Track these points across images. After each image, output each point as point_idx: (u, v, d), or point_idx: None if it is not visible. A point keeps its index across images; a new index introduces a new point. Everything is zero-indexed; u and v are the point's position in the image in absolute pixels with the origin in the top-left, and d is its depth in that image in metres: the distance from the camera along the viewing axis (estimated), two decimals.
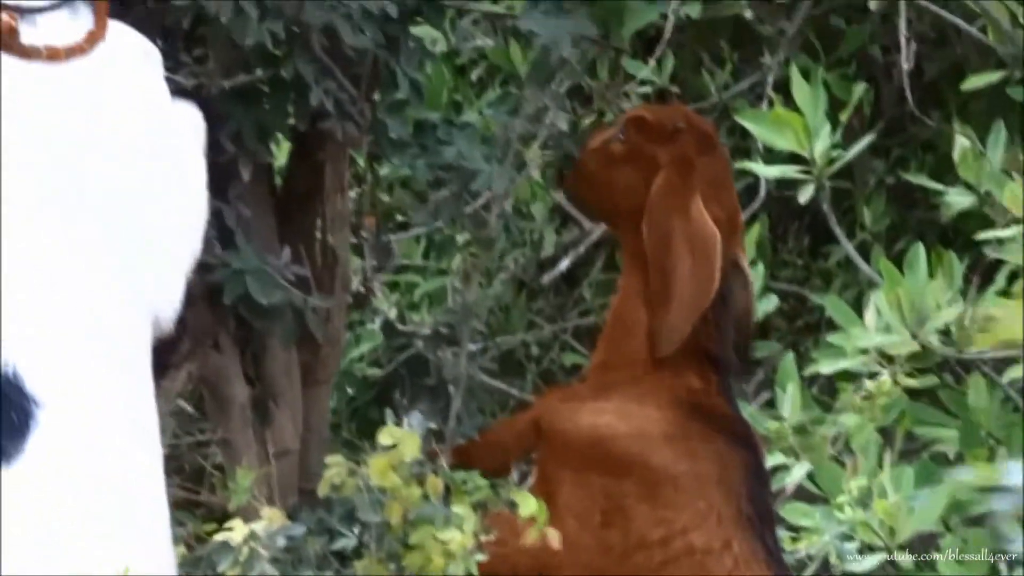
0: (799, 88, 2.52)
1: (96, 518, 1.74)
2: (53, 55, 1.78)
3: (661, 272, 2.20)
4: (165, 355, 2.01)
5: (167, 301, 1.90)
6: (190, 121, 2.02)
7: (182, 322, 1.98)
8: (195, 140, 2.03)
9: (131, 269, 1.85)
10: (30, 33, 1.78)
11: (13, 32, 1.74)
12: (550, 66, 2.63)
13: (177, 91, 2.03)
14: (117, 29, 1.86)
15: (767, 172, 2.63)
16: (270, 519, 1.81)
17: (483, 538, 1.88)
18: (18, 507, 1.70)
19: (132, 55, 1.89)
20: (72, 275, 1.80)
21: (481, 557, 1.85)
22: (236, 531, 1.79)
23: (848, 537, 2.19)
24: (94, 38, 1.82)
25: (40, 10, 1.79)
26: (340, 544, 1.88)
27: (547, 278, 3.14)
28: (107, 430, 1.78)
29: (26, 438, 1.70)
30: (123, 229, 1.86)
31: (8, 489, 1.69)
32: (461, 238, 2.94)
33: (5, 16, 1.74)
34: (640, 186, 2.24)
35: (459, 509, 1.87)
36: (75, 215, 1.82)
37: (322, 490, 1.93)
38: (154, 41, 2.01)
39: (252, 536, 1.79)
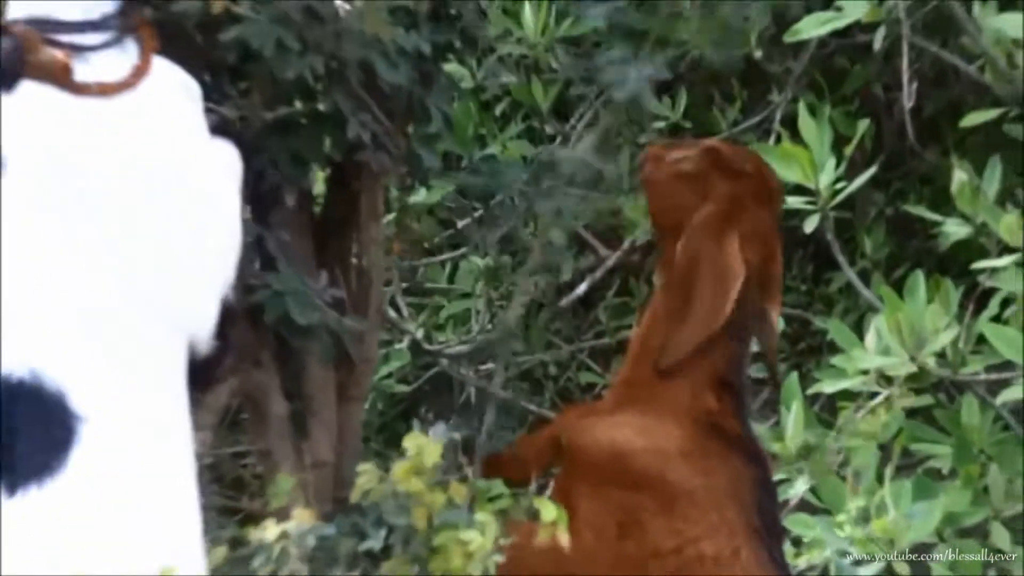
0: (805, 124, 2.56)
1: (133, 525, 1.75)
2: (103, 90, 1.79)
3: (683, 290, 2.21)
4: (210, 371, 2.01)
5: (202, 323, 1.91)
6: (226, 156, 2.02)
7: (225, 340, 1.98)
8: (230, 174, 2.03)
9: (168, 294, 1.86)
10: (82, 70, 1.79)
11: (67, 70, 1.75)
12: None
13: (222, 123, 2.04)
14: (160, 64, 1.87)
15: None
16: (300, 519, 1.83)
17: (503, 542, 1.88)
18: (62, 519, 1.70)
19: (173, 89, 1.89)
20: (113, 299, 1.81)
21: (499, 558, 1.86)
22: (269, 530, 1.81)
23: (845, 554, 2.26)
24: (140, 73, 1.82)
25: (93, 48, 1.81)
26: (369, 545, 1.87)
27: (565, 301, 3.14)
28: (144, 443, 1.79)
29: (69, 452, 1.70)
30: (160, 257, 1.87)
31: (52, 501, 1.69)
32: (483, 262, 3.00)
33: (60, 54, 1.76)
34: (691, 207, 2.26)
35: (482, 516, 1.85)
36: (117, 243, 1.82)
37: (354, 496, 1.93)
38: (201, 76, 2.01)
39: (284, 535, 1.81)
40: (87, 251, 1.77)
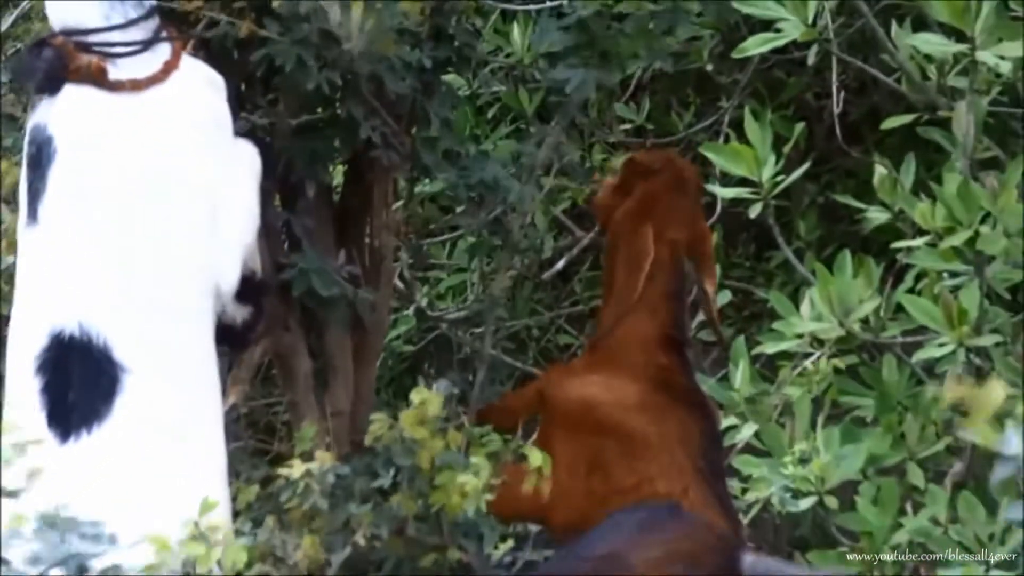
0: (750, 127, 2.58)
1: (169, 466, 1.84)
2: (135, 86, 1.87)
3: (609, 273, 2.39)
4: (246, 335, 2.15)
5: (227, 273, 1.98)
6: (248, 151, 2.08)
7: (259, 309, 2.13)
8: (250, 165, 2.08)
9: (196, 258, 1.94)
10: (115, 70, 1.88)
11: (103, 71, 1.84)
12: (567, 108, 2.65)
13: (252, 128, 2.14)
14: (189, 61, 1.96)
15: (724, 193, 2.72)
16: (322, 460, 1.90)
17: (494, 482, 1.95)
18: (109, 460, 1.80)
19: (200, 83, 1.97)
20: (149, 263, 1.88)
21: (490, 496, 1.93)
22: (295, 469, 1.88)
23: (788, 489, 2.29)
24: (169, 68, 1.90)
25: (128, 53, 1.89)
26: (380, 482, 1.95)
27: (546, 275, 3.20)
28: (178, 391, 1.88)
29: (114, 400, 1.80)
30: (188, 225, 1.95)
31: (101, 445, 1.80)
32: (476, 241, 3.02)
33: (95, 59, 1.85)
34: (617, 207, 2.42)
35: (476, 459, 1.95)
36: (152, 213, 1.90)
37: (368, 441, 2.01)
38: (238, 87, 2.15)
39: (307, 473, 1.88)
40: (126, 222, 1.87)
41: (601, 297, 2.53)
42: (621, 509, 1.96)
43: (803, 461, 2.30)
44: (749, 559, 1.54)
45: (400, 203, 2.53)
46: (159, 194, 1.91)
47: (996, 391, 1.18)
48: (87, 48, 1.86)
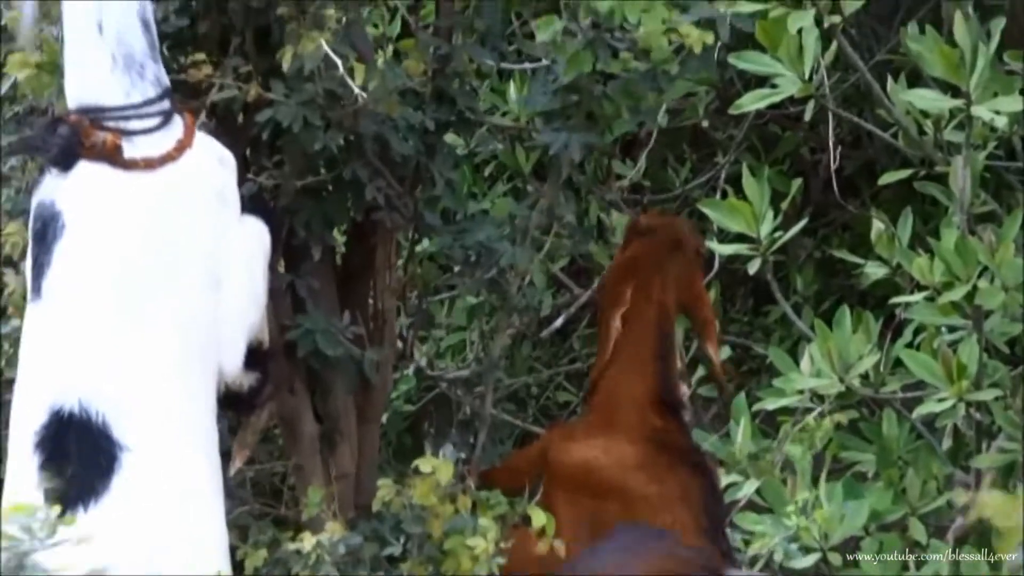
0: (747, 182, 2.56)
1: (167, 539, 1.83)
2: (149, 164, 1.88)
3: (599, 329, 2.42)
4: (252, 399, 2.14)
5: (231, 355, 2.00)
6: (255, 229, 2.07)
7: (265, 373, 2.12)
8: (258, 244, 2.08)
9: (201, 339, 1.94)
10: (131, 147, 1.87)
11: (118, 149, 1.84)
12: (560, 167, 2.63)
13: (258, 191, 2.16)
14: (201, 139, 1.96)
15: (723, 250, 2.66)
16: (332, 531, 1.93)
17: (503, 545, 1.99)
18: (106, 537, 1.73)
19: (211, 161, 1.97)
20: (152, 342, 1.88)
21: (501, 560, 1.97)
22: (306, 541, 1.92)
23: (791, 540, 2.25)
24: (183, 147, 1.90)
25: (144, 131, 1.89)
26: (389, 551, 2.00)
27: (544, 333, 3.20)
28: (177, 467, 1.87)
29: (109, 480, 1.79)
30: (194, 307, 1.94)
31: (97, 522, 1.75)
32: (475, 300, 3.03)
33: (110, 136, 1.84)
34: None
35: (484, 521, 2.00)
36: (157, 294, 1.89)
37: (376, 507, 2.06)
38: (243, 150, 2.16)
39: (319, 545, 1.91)
40: (130, 300, 1.86)
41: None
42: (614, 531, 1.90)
43: (804, 512, 2.27)
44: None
45: (401, 263, 2.54)
46: (165, 274, 1.91)
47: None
48: (103, 125, 1.86)
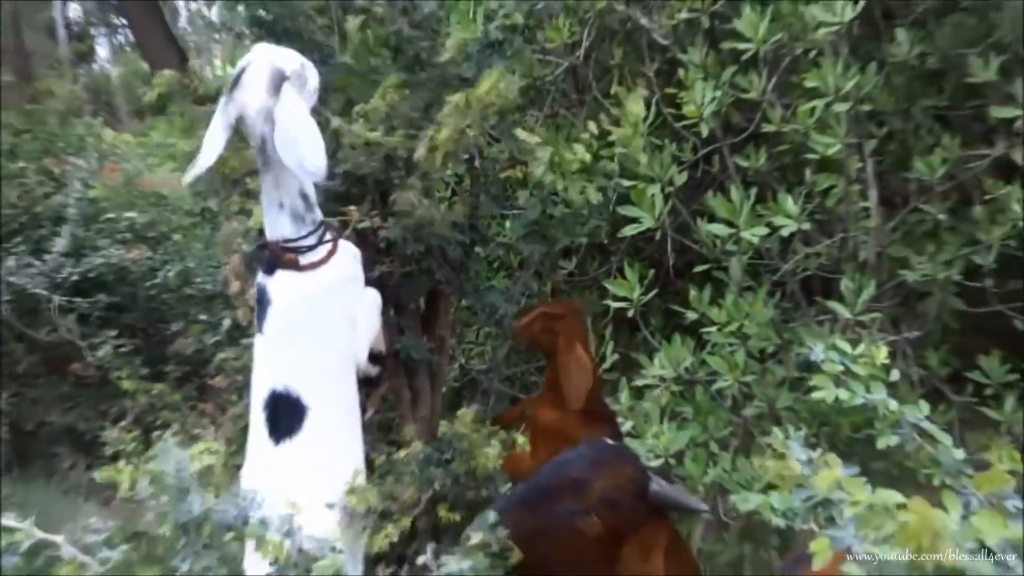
0: (628, 271, 2.56)
1: (332, 459, 1.86)
2: (313, 267, 1.88)
3: (565, 374, 2.28)
4: (377, 381, 2.20)
5: (361, 356, 1.99)
6: (374, 296, 2.05)
7: (383, 367, 2.17)
8: (374, 303, 2.05)
9: (347, 349, 1.95)
10: (303, 258, 1.87)
11: (296, 262, 1.87)
12: (531, 264, 2.80)
13: (379, 275, 2.14)
14: (344, 244, 1.95)
15: (615, 304, 2.58)
16: (417, 447, 2.00)
17: (503, 454, 2.03)
18: (300, 457, 1.82)
19: (349, 258, 1.96)
20: (320, 353, 1.90)
21: (500, 462, 1.99)
22: (401, 453, 1.98)
23: (649, 451, 2.35)
24: (331, 254, 1.91)
25: (308, 248, 1.88)
26: (446, 456, 2.02)
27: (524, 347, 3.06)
28: (336, 419, 1.90)
29: (299, 426, 1.83)
30: (342, 333, 1.95)
31: (296, 447, 1.82)
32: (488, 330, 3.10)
33: (292, 255, 1.86)
34: (551, 338, 2.35)
35: (494, 441, 2.03)
36: (321, 330, 1.91)
37: (439, 434, 2.12)
38: (371, 252, 2.12)
39: (411, 453, 1.98)
40: (308, 334, 1.89)
41: (547, 364, 2.44)
42: (587, 441, 1.76)
43: (655, 437, 2.41)
44: (655, 486, 1.38)
45: (452, 311, 2.43)
46: (326, 320, 1.91)
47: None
48: (287, 248, 1.87)
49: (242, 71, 1.82)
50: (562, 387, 2.28)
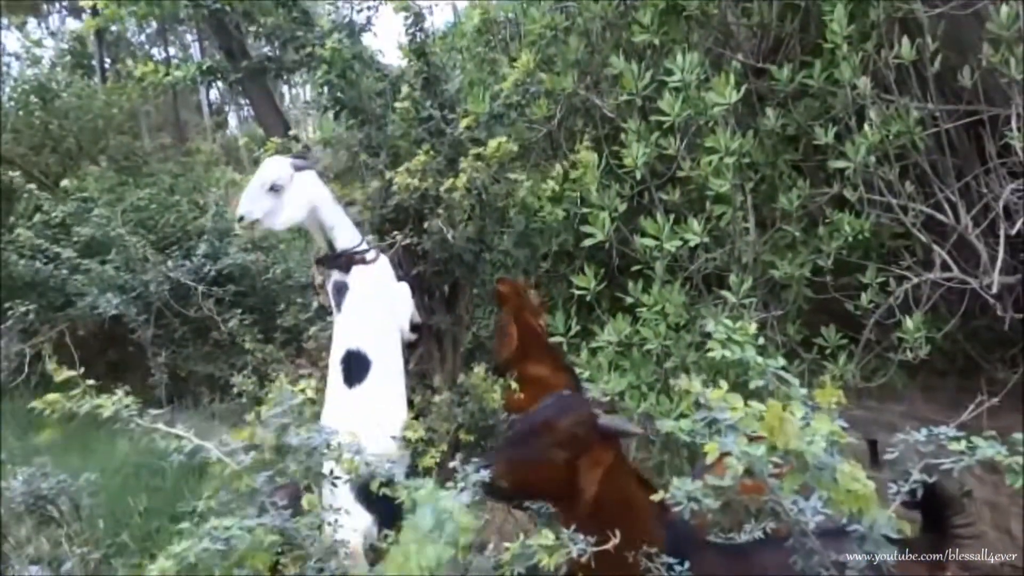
0: (588, 269, 2.47)
1: (387, 403, 1.80)
2: (373, 262, 1.87)
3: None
4: (415, 343, 2.11)
5: (404, 325, 1.94)
6: (405, 288, 1.99)
7: (419, 334, 2.08)
8: (406, 292, 1.99)
9: (394, 319, 1.89)
10: (366, 256, 1.86)
11: (364, 259, 1.83)
12: (520, 264, 2.52)
13: (419, 273, 2.07)
14: (382, 256, 1.91)
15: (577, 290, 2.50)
16: (444, 392, 1.92)
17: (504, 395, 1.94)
18: (366, 399, 1.76)
19: (385, 262, 1.92)
20: (377, 324, 1.84)
21: (502, 402, 1.91)
22: (438, 398, 1.91)
23: (599, 392, 2.21)
24: (377, 256, 1.86)
25: (366, 251, 1.87)
26: (465, 400, 1.92)
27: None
28: (389, 372, 1.82)
29: (366, 375, 1.77)
30: (391, 308, 1.90)
31: (364, 391, 1.76)
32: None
33: (360, 255, 1.82)
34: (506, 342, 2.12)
35: (496, 387, 1.95)
36: (379, 307, 1.86)
37: (458, 382, 2.01)
38: (409, 270, 2.07)
39: (443, 399, 1.90)
40: (371, 310, 1.84)
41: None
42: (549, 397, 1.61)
43: (606, 383, 2.31)
44: (603, 419, 1.26)
45: (467, 296, 2.32)
46: (380, 300, 1.87)
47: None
48: (356, 253, 1.84)
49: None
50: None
